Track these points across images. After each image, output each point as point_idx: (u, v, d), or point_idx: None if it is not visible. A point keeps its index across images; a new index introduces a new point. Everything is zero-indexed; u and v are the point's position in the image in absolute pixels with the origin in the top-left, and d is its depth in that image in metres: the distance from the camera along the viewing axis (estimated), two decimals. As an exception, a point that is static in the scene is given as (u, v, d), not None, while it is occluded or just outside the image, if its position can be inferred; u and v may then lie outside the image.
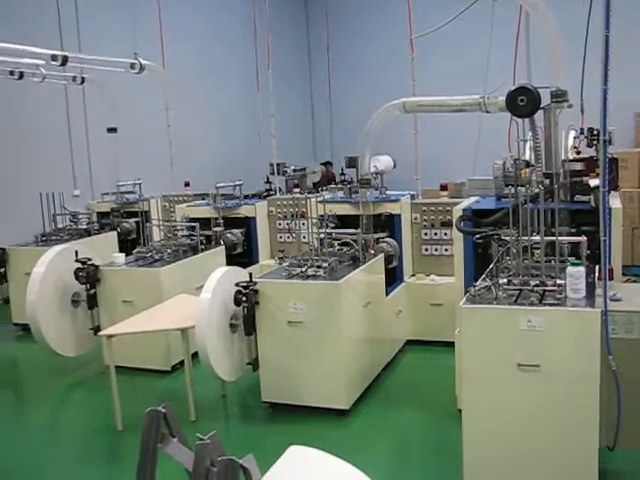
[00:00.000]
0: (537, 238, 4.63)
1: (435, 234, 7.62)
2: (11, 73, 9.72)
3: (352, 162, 9.21)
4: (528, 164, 6.07)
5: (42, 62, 9.13)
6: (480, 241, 5.34)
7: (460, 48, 14.80)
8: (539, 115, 5.74)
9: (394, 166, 9.21)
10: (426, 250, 7.66)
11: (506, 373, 4.19)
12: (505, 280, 4.56)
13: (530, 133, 5.95)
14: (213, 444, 2.18)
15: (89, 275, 7.01)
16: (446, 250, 7.53)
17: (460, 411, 4.65)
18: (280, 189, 11.27)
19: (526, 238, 4.64)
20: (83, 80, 10.81)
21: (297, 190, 9.26)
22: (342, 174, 11.91)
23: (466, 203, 6.28)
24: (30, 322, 6.94)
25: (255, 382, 6.08)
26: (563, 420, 4.13)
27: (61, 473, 5.33)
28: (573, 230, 5.32)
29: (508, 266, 4.73)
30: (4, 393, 7.37)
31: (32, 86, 10.61)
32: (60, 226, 9.58)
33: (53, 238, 9.19)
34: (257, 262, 8.77)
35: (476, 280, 4.75)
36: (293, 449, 2.34)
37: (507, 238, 4.85)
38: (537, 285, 4.44)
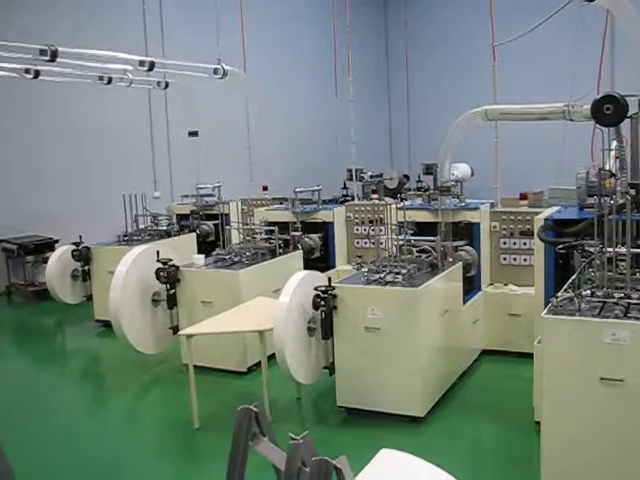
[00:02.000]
0: (623, 250, 4.54)
1: (514, 243, 7.52)
2: (100, 78, 10.05)
3: (429, 169, 9.22)
4: (612, 174, 5.95)
5: (130, 67, 9.41)
6: (563, 251, 5.27)
7: (543, 55, 14.59)
8: (625, 124, 5.62)
9: (472, 174, 9.15)
10: (504, 259, 7.57)
11: (588, 387, 4.12)
12: (588, 292, 4.48)
13: (615, 142, 5.83)
14: (306, 444, 2.22)
15: (169, 275, 7.16)
16: (525, 260, 7.43)
17: (538, 423, 4.59)
18: (357, 195, 11.31)
19: (611, 249, 4.55)
20: (167, 85, 11.09)
21: (375, 196, 9.28)
22: (419, 181, 11.89)
23: (547, 212, 6.19)
24: (112, 319, 7.15)
25: (330, 386, 6.12)
26: (647, 436, 4.04)
27: (138, 467, 5.47)
28: (660, 242, 5.19)
29: (591, 278, 4.65)
30: (85, 387, 7.62)
31: (116, 91, 10.95)
32: (141, 227, 9.82)
33: (135, 238, 9.44)
34: (334, 267, 8.81)
35: (556, 291, 4.69)
36: (384, 452, 2.36)
37: (591, 249, 4.77)
38: (622, 298, 4.35)
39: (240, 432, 2.46)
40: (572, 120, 6.19)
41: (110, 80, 10.18)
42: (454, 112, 7.23)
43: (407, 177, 13.63)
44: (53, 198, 12.04)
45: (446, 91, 17.18)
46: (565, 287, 4.70)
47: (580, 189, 6.08)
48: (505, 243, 7.56)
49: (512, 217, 7.54)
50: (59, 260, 9.32)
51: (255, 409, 2.49)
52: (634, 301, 4.30)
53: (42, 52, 7.48)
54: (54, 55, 7.54)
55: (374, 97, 18.89)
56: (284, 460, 2.26)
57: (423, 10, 18.42)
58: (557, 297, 4.43)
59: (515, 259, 7.53)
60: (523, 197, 8.08)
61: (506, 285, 7.47)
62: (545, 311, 4.36)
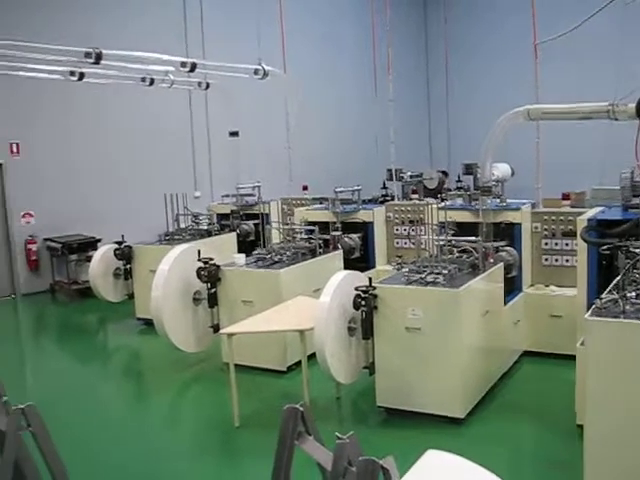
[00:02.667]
0: (669, 251, 4.48)
1: (556, 244, 7.44)
2: (142, 80, 10.17)
3: (469, 169, 9.14)
4: (658, 174, 5.87)
5: (172, 69, 9.51)
6: (606, 252, 5.21)
7: (585, 54, 14.40)
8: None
9: (512, 174, 9.06)
10: (546, 260, 7.50)
11: (633, 390, 4.07)
12: (633, 294, 4.42)
13: (661, 142, 5.75)
14: (352, 444, 2.24)
15: (210, 274, 7.22)
16: (567, 261, 7.35)
17: (580, 427, 4.54)
18: (397, 195, 11.28)
19: (657, 251, 4.50)
20: (208, 85, 11.18)
21: (415, 196, 9.24)
22: (459, 181, 11.80)
23: (591, 213, 6.12)
24: (154, 317, 7.23)
25: (370, 386, 6.13)
26: (694, 441, 3.98)
27: (179, 465, 5.52)
28: None
29: (636, 279, 4.59)
30: (127, 385, 7.73)
31: (158, 92, 11.07)
32: (182, 226, 9.92)
33: (176, 237, 9.54)
34: (373, 267, 8.81)
35: (599, 293, 4.63)
36: (430, 453, 2.37)
37: (636, 250, 4.70)
38: (668, 300, 4.29)
39: (286, 431, 2.49)
40: (616, 119, 6.11)
41: (152, 81, 10.30)
42: (494, 111, 7.19)
43: (446, 174, 13.54)
44: (96, 198, 12.23)
45: (486, 90, 17.07)
46: (609, 289, 4.64)
47: (624, 189, 6.01)
48: (547, 244, 7.50)
49: (554, 217, 7.47)
50: (102, 259, 9.47)
51: (301, 408, 2.51)
52: (680, 303, 4.24)
53: (87, 55, 7.60)
54: (99, 57, 7.66)
55: (413, 96, 18.84)
56: (330, 459, 2.28)
57: (463, 9, 18.32)
58: (601, 299, 4.38)
59: (557, 260, 7.45)
60: (565, 197, 7.99)
61: (547, 286, 7.40)
62: (589, 313, 4.31)
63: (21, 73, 9.11)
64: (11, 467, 2.93)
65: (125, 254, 9.30)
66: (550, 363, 7.12)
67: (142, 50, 8.67)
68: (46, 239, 11.76)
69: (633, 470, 4.15)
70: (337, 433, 2.31)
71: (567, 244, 7.35)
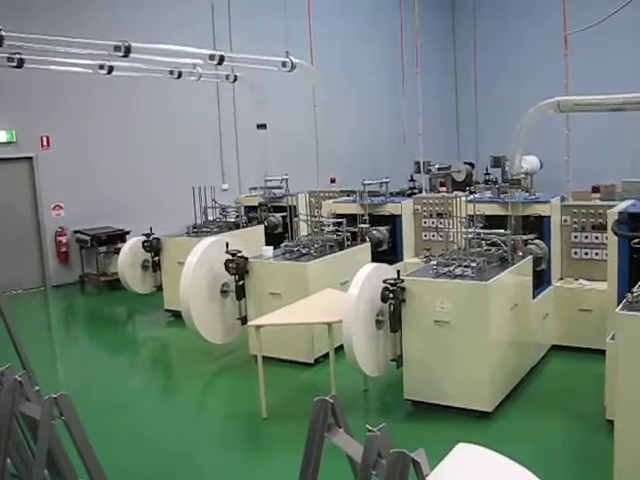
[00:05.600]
0: (702, 244, 4.41)
1: (586, 237, 7.37)
2: (170, 72, 10.21)
3: (497, 162, 9.10)
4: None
5: (200, 62, 9.53)
6: (638, 246, 5.15)
7: (616, 45, 14.22)
8: None
9: (540, 167, 8.98)
10: (575, 253, 7.43)
11: (665, 385, 4.03)
12: (665, 288, 4.38)
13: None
14: (382, 436, 2.24)
15: (238, 266, 7.25)
16: (597, 254, 7.28)
17: (610, 422, 4.51)
18: (425, 188, 11.24)
19: (689, 244, 4.44)
20: (235, 78, 11.20)
21: (443, 189, 9.20)
22: (487, 173, 11.74)
23: (622, 206, 6.05)
24: (182, 309, 7.29)
25: (397, 379, 6.12)
26: None
27: (207, 456, 5.56)
28: None
29: (668, 273, 4.54)
30: (155, 376, 7.82)
31: (186, 85, 11.12)
32: (210, 219, 9.97)
33: (204, 230, 9.59)
34: (401, 260, 8.78)
35: (630, 287, 4.58)
36: (461, 446, 2.36)
37: (668, 244, 4.65)
38: (700, 294, 4.24)
39: (316, 423, 2.50)
40: (649, 111, 6.02)
41: (180, 74, 10.34)
42: (523, 103, 7.14)
43: (472, 165, 13.47)
44: (125, 190, 12.33)
45: (515, 82, 16.93)
46: (640, 282, 4.59)
47: (656, 182, 5.93)
48: (576, 237, 7.43)
49: (584, 210, 7.40)
50: (130, 251, 9.54)
51: (331, 400, 2.52)
52: None
53: (116, 48, 7.64)
54: (128, 51, 7.70)
55: (441, 89, 18.75)
56: (360, 451, 2.28)
57: (491, 1, 18.18)
58: (632, 293, 4.34)
59: (586, 253, 7.39)
60: (595, 190, 7.91)
61: (577, 280, 7.33)
62: (620, 307, 4.27)
63: (52, 67, 9.19)
64: (45, 455, 2.97)
65: (153, 246, 9.37)
66: (579, 357, 7.06)
67: (170, 43, 8.70)
68: (76, 231, 11.89)
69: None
70: (368, 425, 2.32)
71: (597, 237, 7.28)
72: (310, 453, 2.49)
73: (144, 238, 9.44)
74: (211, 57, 8.88)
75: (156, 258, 9.47)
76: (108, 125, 12.24)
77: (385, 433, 2.28)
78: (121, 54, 7.64)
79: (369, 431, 2.27)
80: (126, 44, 7.63)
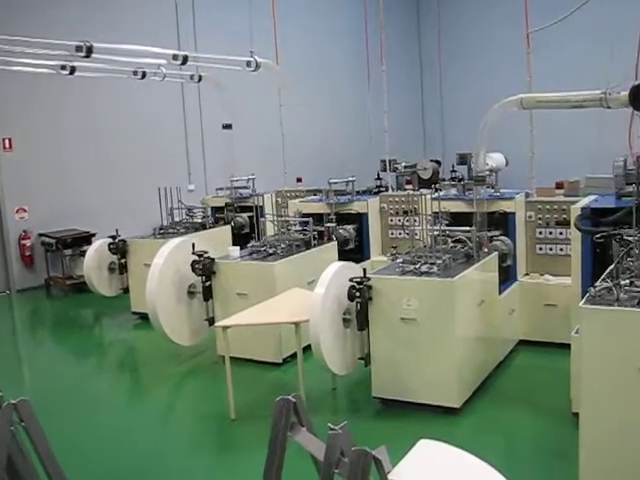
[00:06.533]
0: (662, 238, 4.47)
1: (550, 233, 7.45)
2: (134, 73, 10.12)
3: (463, 159, 9.12)
4: (651, 162, 5.85)
5: (164, 62, 9.46)
6: (600, 241, 5.21)
7: (579, 43, 14.39)
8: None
9: (506, 164, 9.05)
10: (540, 249, 7.51)
11: (628, 377, 4.07)
12: (627, 281, 4.42)
13: (654, 129, 5.74)
14: (344, 434, 2.24)
15: (205, 267, 7.21)
16: (561, 249, 7.36)
17: (576, 415, 4.55)
18: (391, 186, 11.26)
19: (650, 238, 4.49)
20: (200, 78, 11.13)
21: (409, 187, 9.23)
22: (453, 171, 11.78)
23: (585, 202, 6.12)
24: (149, 311, 7.22)
25: (366, 377, 6.13)
26: (688, 428, 3.99)
27: (175, 458, 5.51)
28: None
29: (630, 267, 4.59)
30: (122, 379, 7.73)
31: (150, 86, 11.03)
32: (177, 220, 9.91)
33: (170, 231, 9.53)
34: (368, 258, 8.79)
35: (593, 281, 4.63)
36: (423, 442, 2.37)
37: (629, 238, 4.70)
38: (661, 287, 4.29)
39: (279, 422, 2.48)
40: (609, 107, 6.08)
41: (144, 75, 10.24)
42: (488, 100, 7.16)
43: (439, 162, 13.51)
44: (90, 193, 12.20)
45: (479, 79, 17.05)
46: (603, 277, 4.64)
47: (617, 177, 6.01)
48: (541, 233, 7.50)
49: (548, 207, 7.48)
50: (96, 253, 9.44)
51: (293, 399, 2.51)
52: (674, 290, 4.23)
53: (78, 48, 7.53)
54: (89, 51, 7.59)
55: (407, 86, 18.82)
56: (323, 450, 2.27)
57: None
58: (595, 287, 4.38)
59: (551, 249, 7.46)
60: (559, 186, 7.98)
61: (542, 275, 7.41)
62: (583, 301, 4.31)
63: (13, 68, 9.06)
64: (4, 461, 2.92)
65: (119, 248, 9.28)
66: (545, 352, 7.13)
67: (134, 43, 8.62)
68: (40, 234, 11.72)
69: (629, 457, 4.15)
70: (329, 424, 2.31)
71: (561, 233, 7.36)
72: (273, 452, 2.48)
73: (110, 240, 9.35)
74: (175, 57, 8.80)
75: (122, 260, 9.38)
76: (72, 126, 12.09)
77: (347, 431, 2.27)
78: (83, 54, 7.55)
79: (331, 429, 2.26)
80: (88, 44, 7.52)
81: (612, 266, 4.74)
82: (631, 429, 4.12)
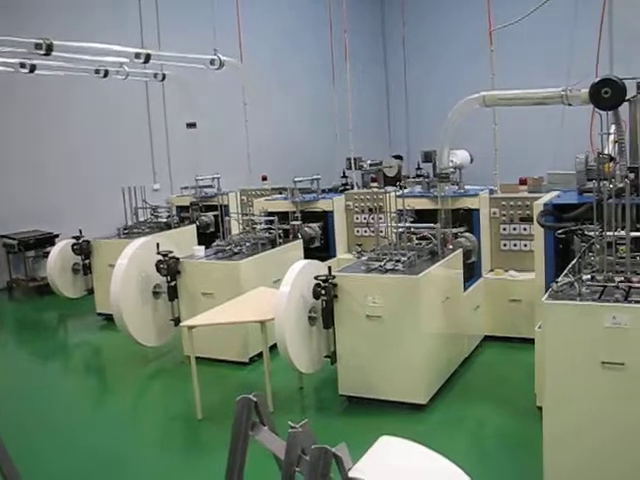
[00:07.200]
0: (622, 233, 4.52)
1: (514, 229, 7.51)
2: (96, 71, 10.02)
3: (428, 156, 9.18)
4: (611, 158, 5.92)
5: (126, 60, 9.38)
6: (562, 236, 5.26)
7: (540, 41, 14.55)
8: (624, 107, 5.59)
9: (471, 161, 9.10)
10: (505, 245, 7.56)
11: (589, 371, 4.11)
12: (589, 276, 4.46)
13: (614, 126, 5.81)
14: (305, 432, 2.23)
15: (170, 267, 7.16)
16: (525, 245, 7.42)
17: (540, 408, 4.59)
18: (357, 184, 11.30)
19: (610, 233, 4.54)
20: (164, 77, 11.07)
21: (375, 184, 9.26)
22: (418, 168, 11.85)
23: (547, 198, 6.18)
24: (114, 312, 7.16)
25: (332, 375, 6.13)
26: (649, 419, 4.04)
27: (142, 459, 5.47)
28: (660, 225, 5.17)
29: (592, 262, 4.63)
30: (88, 381, 7.65)
31: (113, 84, 10.92)
32: (141, 219, 9.83)
33: (135, 231, 9.44)
34: (334, 256, 8.78)
35: (557, 276, 4.67)
36: (384, 439, 2.37)
37: (591, 233, 4.75)
38: (622, 282, 4.33)
39: (240, 422, 2.47)
40: (570, 105, 6.15)
41: (106, 73, 10.14)
42: (452, 98, 7.20)
43: (401, 157, 13.58)
44: (53, 193, 12.03)
45: (444, 76, 17.15)
46: (565, 272, 4.68)
47: (579, 173, 6.07)
48: (505, 229, 7.56)
49: (511, 203, 7.53)
50: (59, 254, 9.31)
51: (254, 398, 2.49)
52: (634, 285, 4.28)
53: (37, 46, 7.43)
54: (49, 49, 7.50)
55: (372, 84, 18.87)
56: (284, 449, 2.26)
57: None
58: (557, 282, 4.41)
59: (515, 245, 7.52)
60: (522, 183, 8.05)
61: (506, 271, 7.47)
62: (545, 296, 4.35)
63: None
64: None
65: (83, 249, 9.17)
66: (510, 347, 7.19)
67: (97, 42, 8.54)
68: (1, 236, 11.54)
69: (591, 450, 4.20)
70: (290, 422, 2.30)
71: (525, 229, 7.42)
72: (235, 452, 2.46)
73: (74, 241, 9.23)
74: (137, 55, 8.74)
75: (86, 261, 9.27)
76: (33, 125, 11.91)
77: (308, 429, 2.26)
78: (42, 52, 7.44)
79: (291, 427, 2.25)
80: (47, 42, 7.43)
81: (574, 261, 4.78)
82: (593, 422, 4.16)
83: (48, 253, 9.82)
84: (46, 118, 12.03)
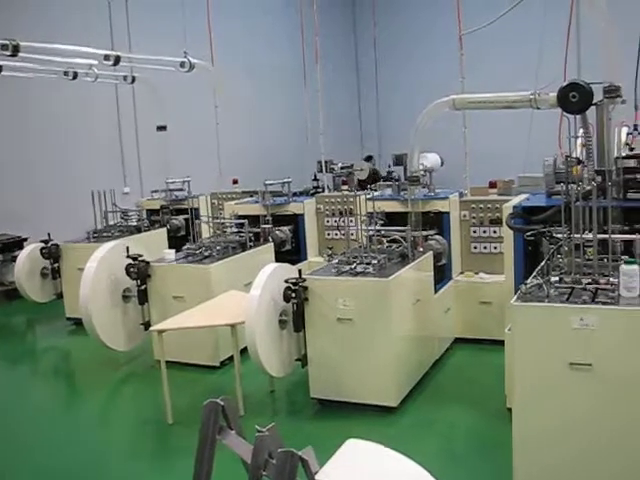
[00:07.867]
0: (589, 236, 4.57)
1: (484, 232, 7.57)
2: (65, 73, 9.92)
3: (399, 160, 9.22)
4: (579, 161, 5.98)
5: (95, 62, 9.30)
6: (531, 239, 5.30)
7: (510, 45, 14.67)
8: (591, 111, 5.65)
9: (441, 164, 9.15)
10: (475, 248, 7.61)
11: (558, 372, 4.14)
12: (557, 278, 4.50)
13: (581, 130, 5.86)
14: (272, 436, 2.21)
15: (140, 271, 7.11)
16: (495, 248, 7.48)
17: (510, 410, 4.62)
18: (328, 187, 11.29)
19: (578, 236, 4.59)
20: (134, 79, 10.98)
21: (346, 187, 9.26)
22: (389, 171, 11.88)
23: (516, 200, 6.23)
24: (83, 316, 7.08)
25: (303, 378, 6.12)
26: (616, 420, 4.07)
27: (112, 465, 5.41)
28: (626, 228, 5.23)
29: (560, 264, 4.68)
30: (57, 386, 7.56)
31: (82, 87, 10.81)
32: (111, 223, 9.74)
33: (104, 235, 9.35)
34: (305, 259, 8.80)
35: (526, 278, 4.71)
36: (350, 442, 2.36)
37: (559, 236, 4.79)
38: (589, 283, 4.38)
39: (207, 426, 2.45)
40: (539, 108, 6.19)
41: (75, 75, 10.04)
42: (423, 101, 7.22)
43: (371, 157, 13.59)
44: (20, 196, 11.85)
45: (415, 79, 17.20)
46: (534, 274, 4.72)
47: (547, 176, 6.12)
48: (475, 232, 7.61)
49: (481, 206, 7.59)
50: (28, 258, 9.20)
51: (222, 402, 2.48)
52: (601, 286, 4.33)
53: (3, 47, 7.32)
54: (16, 50, 7.39)
55: (343, 88, 18.88)
56: (251, 453, 2.25)
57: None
58: (526, 284, 4.45)
59: (485, 247, 7.58)
60: (492, 185, 8.10)
61: (477, 273, 7.52)
62: (514, 298, 4.38)
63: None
64: None
65: (52, 253, 9.07)
66: (481, 349, 7.24)
67: (66, 43, 8.44)
68: (-32, 240, 11.38)
69: (561, 451, 4.23)
70: (257, 426, 2.28)
71: (495, 231, 7.48)
72: (202, 456, 2.44)
73: (42, 245, 9.13)
74: (106, 57, 8.66)
75: (55, 265, 9.17)
76: (0, 128, 11.75)
77: (275, 432, 2.25)
78: (8, 53, 7.34)
79: (258, 432, 2.24)
80: (14, 43, 7.33)
81: (542, 263, 4.82)
82: (562, 424, 4.20)
83: (16, 257, 9.68)
84: (11, 121, 11.85)
